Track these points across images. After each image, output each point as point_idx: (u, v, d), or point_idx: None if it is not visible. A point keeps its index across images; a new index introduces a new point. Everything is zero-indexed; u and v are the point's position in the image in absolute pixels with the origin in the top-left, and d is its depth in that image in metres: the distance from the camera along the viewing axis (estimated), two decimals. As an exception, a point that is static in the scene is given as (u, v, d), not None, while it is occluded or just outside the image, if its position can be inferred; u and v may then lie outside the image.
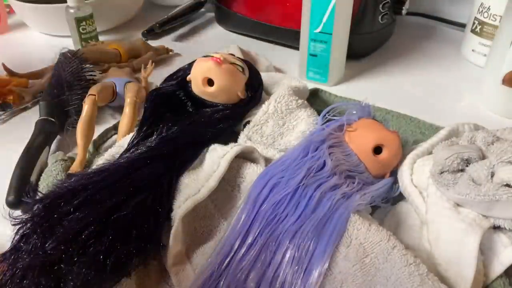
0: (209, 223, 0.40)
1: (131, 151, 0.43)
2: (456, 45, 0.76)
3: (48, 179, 0.44)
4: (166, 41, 0.81)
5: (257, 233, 0.36)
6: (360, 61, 0.72)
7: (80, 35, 0.73)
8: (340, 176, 0.40)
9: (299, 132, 0.48)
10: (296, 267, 0.33)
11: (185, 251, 0.39)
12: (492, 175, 0.37)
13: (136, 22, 0.88)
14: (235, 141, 0.47)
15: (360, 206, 0.37)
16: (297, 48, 0.65)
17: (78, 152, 0.48)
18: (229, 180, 0.41)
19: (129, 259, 0.35)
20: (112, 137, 0.53)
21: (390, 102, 0.56)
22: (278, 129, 0.48)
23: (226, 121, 0.48)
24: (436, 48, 0.77)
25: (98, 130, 0.53)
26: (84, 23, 0.72)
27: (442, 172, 0.39)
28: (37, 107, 0.57)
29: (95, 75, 0.61)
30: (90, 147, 0.50)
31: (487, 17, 0.67)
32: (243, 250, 0.35)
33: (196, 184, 0.39)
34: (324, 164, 0.41)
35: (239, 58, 0.53)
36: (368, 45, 0.73)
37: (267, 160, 0.44)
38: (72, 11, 0.71)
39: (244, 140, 0.47)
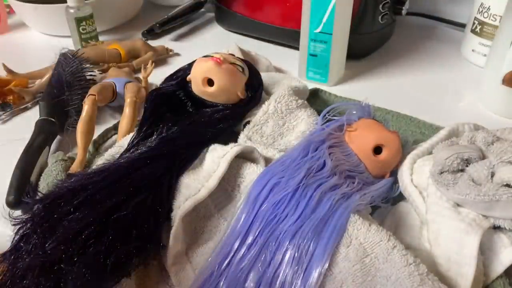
0: (209, 223, 0.40)
1: (131, 151, 0.43)
2: (456, 45, 0.76)
3: (48, 179, 0.44)
4: (166, 41, 0.81)
5: (257, 233, 0.36)
6: (360, 61, 0.72)
7: (80, 35, 0.73)
8: (340, 176, 0.40)
9: (299, 132, 0.48)
10: (296, 267, 0.33)
11: (185, 251, 0.39)
12: (492, 175, 0.37)
13: (136, 22, 0.88)
14: (235, 141, 0.47)
15: (360, 206, 0.37)
16: (297, 48, 0.65)
17: (78, 152, 0.48)
18: (229, 180, 0.41)
19: (129, 259, 0.35)
20: (112, 137, 0.53)
21: (390, 102, 0.56)
22: (278, 129, 0.48)
23: (226, 121, 0.48)
24: (436, 48, 0.77)
25: (98, 130, 0.53)
26: (84, 23, 0.72)
27: (442, 172, 0.39)
28: (37, 107, 0.57)
29: (95, 75, 0.61)
30: (90, 147, 0.50)
31: (487, 17, 0.67)
32: (243, 250, 0.35)
33: (196, 184, 0.39)
34: (324, 164, 0.41)
35: (239, 58, 0.53)
36: (368, 45, 0.73)
37: (267, 160, 0.44)
38: (72, 11, 0.71)
39: (244, 140, 0.47)
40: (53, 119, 0.53)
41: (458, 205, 0.38)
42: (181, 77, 0.51)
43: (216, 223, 0.40)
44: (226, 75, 0.47)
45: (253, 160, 0.43)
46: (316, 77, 0.65)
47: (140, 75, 0.63)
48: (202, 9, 0.91)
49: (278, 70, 0.69)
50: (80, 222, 0.34)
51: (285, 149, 0.46)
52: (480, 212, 0.37)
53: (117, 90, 0.56)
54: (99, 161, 0.45)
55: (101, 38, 0.78)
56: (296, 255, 0.34)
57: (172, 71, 0.53)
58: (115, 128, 0.53)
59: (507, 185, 0.35)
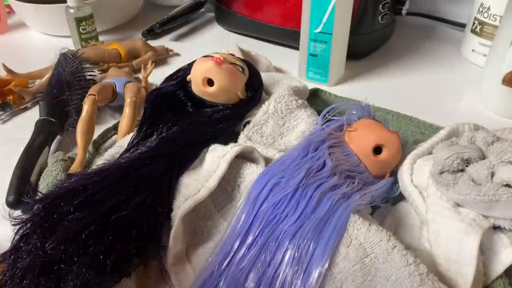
0: (209, 223, 0.40)
1: (131, 151, 0.43)
2: (456, 45, 0.76)
3: (48, 179, 0.44)
4: (166, 41, 0.81)
5: (257, 233, 0.36)
6: (360, 61, 0.72)
7: (80, 35, 0.73)
8: (340, 176, 0.40)
9: (299, 132, 0.48)
10: (296, 267, 0.33)
11: (185, 251, 0.39)
12: (492, 175, 0.37)
13: (136, 22, 0.88)
14: (235, 141, 0.47)
15: (360, 206, 0.37)
16: (297, 48, 0.65)
17: (78, 152, 0.48)
18: (229, 180, 0.41)
19: (129, 259, 0.35)
20: (112, 137, 0.53)
21: (390, 102, 0.56)
22: (278, 129, 0.48)
23: (226, 121, 0.48)
24: (436, 48, 0.77)
25: (98, 130, 0.53)
26: (84, 23, 0.72)
27: (442, 172, 0.39)
28: (37, 107, 0.57)
29: (95, 75, 0.61)
30: (90, 147, 0.50)
31: (487, 17, 0.67)
32: (243, 250, 0.35)
33: (196, 184, 0.39)
34: (324, 164, 0.41)
35: (239, 58, 0.53)
36: (368, 45, 0.73)
37: (267, 160, 0.44)
38: (72, 11, 0.71)
39: (244, 140, 0.47)
40: (53, 119, 0.53)
41: (458, 205, 0.38)
42: (181, 77, 0.51)
43: (216, 223, 0.40)
44: (226, 75, 0.47)
45: (253, 160, 0.43)
46: (316, 77, 0.65)
47: (140, 75, 0.63)
48: (202, 9, 0.91)
49: (278, 70, 0.69)
50: (80, 222, 0.34)
51: (285, 149, 0.46)
52: (480, 212, 0.37)
53: (117, 90, 0.56)
54: (99, 161, 0.45)
55: (101, 38, 0.78)
56: (296, 255, 0.34)
57: (172, 71, 0.53)
58: (115, 128, 0.53)
59: (507, 185, 0.35)
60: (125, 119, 0.52)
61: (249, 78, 0.50)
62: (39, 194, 0.39)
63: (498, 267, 0.35)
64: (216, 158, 0.41)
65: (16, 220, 0.36)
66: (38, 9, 0.78)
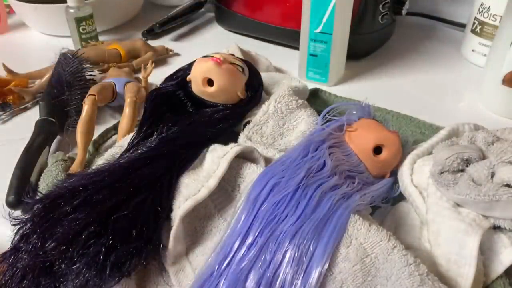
0: (209, 223, 0.40)
1: (131, 151, 0.43)
2: (456, 45, 0.76)
3: (48, 179, 0.44)
4: (166, 41, 0.81)
5: (257, 233, 0.36)
6: (360, 61, 0.72)
7: (80, 35, 0.73)
8: (340, 176, 0.40)
9: (299, 132, 0.48)
10: (296, 267, 0.33)
11: (185, 251, 0.39)
12: (492, 175, 0.37)
13: (136, 22, 0.88)
14: (235, 141, 0.47)
15: (360, 206, 0.37)
16: (297, 48, 0.65)
17: (78, 152, 0.48)
18: (229, 180, 0.41)
19: (129, 259, 0.35)
20: (112, 137, 0.53)
21: (390, 102, 0.56)
22: (278, 129, 0.48)
23: (226, 121, 0.48)
24: (436, 48, 0.77)
25: (98, 130, 0.53)
26: (84, 23, 0.72)
27: (442, 172, 0.39)
28: (37, 107, 0.57)
29: (95, 75, 0.61)
30: (90, 147, 0.50)
31: (487, 17, 0.67)
32: (243, 250, 0.35)
33: (196, 184, 0.39)
34: (324, 164, 0.41)
35: (239, 58, 0.53)
36: (368, 45, 0.73)
37: (267, 160, 0.44)
38: (72, 11, 0.71)
39: (244, 140, 0.47)
40: (53, 119, 0.53)
41: (458, 205, 0.38)
42: (181, 77, 0.51)
43: (216, 223, 0.40)
44: (226, 75, 0.47)
45: (253, 160, 0.43)
46: (316, 77, 0.65)
47: (140, 75, 0.63)
48: (202, 9, 0.91)
49: (278, 70, 0.69)
50: (80, 222, 0.34)
51: (285, 149, 0.46)
52: (480, 212, 0.37)
53: (117, 90, 0.56)
54: (99, 161, 0.45)
55: (101, 38, 0.78)
56: (296, 255, 0.34)
57: (172, 71, 0.53)
58: (115, 128, 0.53)
59: (507, 185, 0.35)
60: (125, 119, 0.52)
61: (249, 78, 0.50)
62: (39, 194, 0.39)
63: (498, 267, 0.35)
64: (216, 158, 0.41)
65: (16, 220, 0.36)
66: (38, 9, 0.78)
